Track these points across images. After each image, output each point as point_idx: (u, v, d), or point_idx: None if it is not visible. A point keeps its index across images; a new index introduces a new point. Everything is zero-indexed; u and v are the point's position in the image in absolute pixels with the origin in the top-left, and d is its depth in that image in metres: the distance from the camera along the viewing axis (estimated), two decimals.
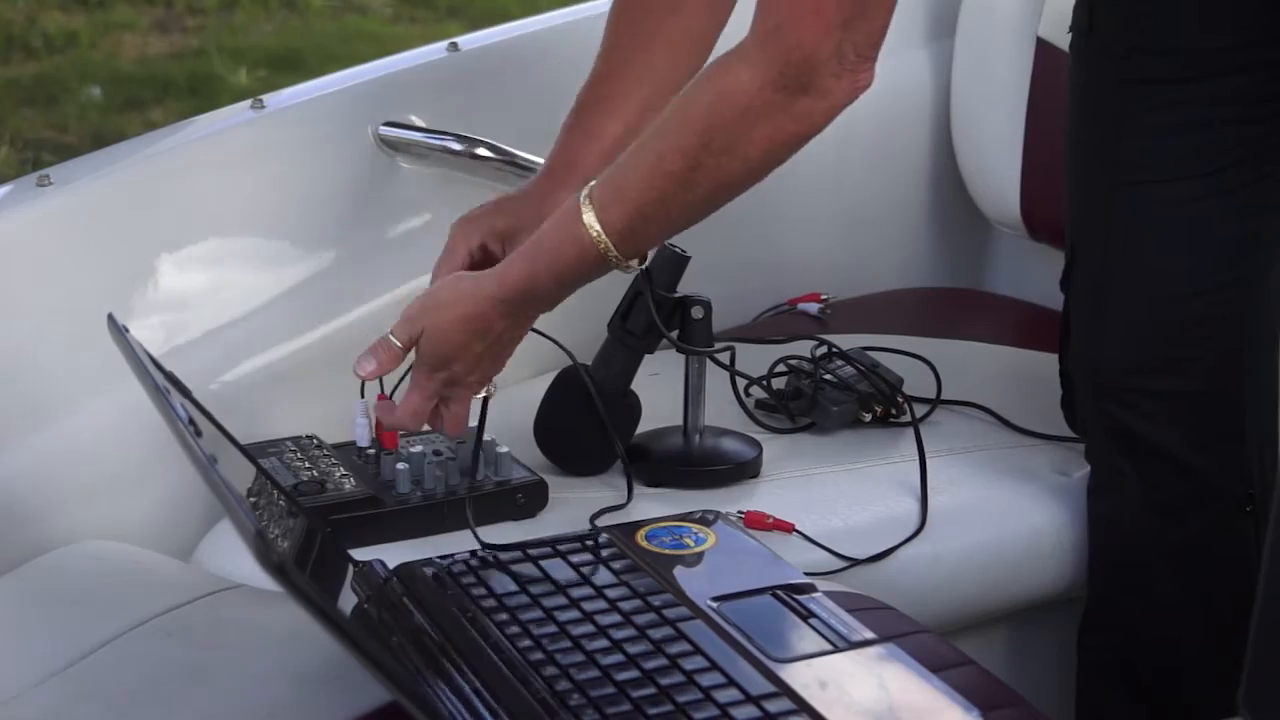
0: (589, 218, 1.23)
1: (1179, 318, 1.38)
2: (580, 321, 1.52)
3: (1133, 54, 1.38)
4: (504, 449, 1.38)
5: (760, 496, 1.42)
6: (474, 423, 1.36)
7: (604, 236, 1.22)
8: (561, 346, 1.46)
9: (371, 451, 1.41)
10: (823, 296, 1.85)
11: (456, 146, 1.66)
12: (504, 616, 1.05)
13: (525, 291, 1.26)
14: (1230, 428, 1.37)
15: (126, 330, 1.10)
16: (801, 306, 1.85)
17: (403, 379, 1.41)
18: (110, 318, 1.12)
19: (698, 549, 1.16)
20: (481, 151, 1.66)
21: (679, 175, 1.21)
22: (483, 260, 1.37)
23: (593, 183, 1.24)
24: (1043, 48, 1.87)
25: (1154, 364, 1.40)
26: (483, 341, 1.28)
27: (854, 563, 1.35)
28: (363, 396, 1.42)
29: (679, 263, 1.42)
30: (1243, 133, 1.35)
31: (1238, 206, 1.36)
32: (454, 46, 1.75)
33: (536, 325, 1.46)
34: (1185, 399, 1.39)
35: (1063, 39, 1.85)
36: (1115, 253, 1.41)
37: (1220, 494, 1.39)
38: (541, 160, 1.67)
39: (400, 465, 1.35)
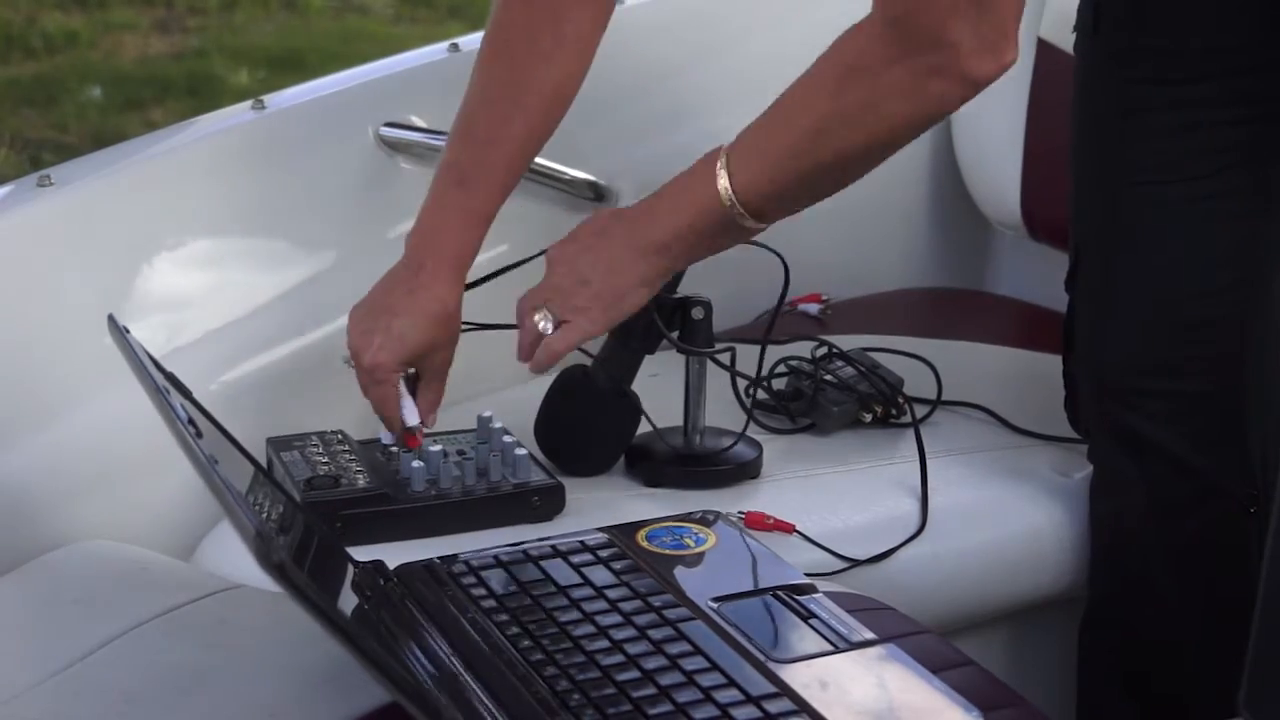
0: (721, 173, 1.25)
1: (1182, 318, 1.38)
2: None
3: (1136, 54, 1.38)
4: (522, 451, 1.38)
5: (760, 497, 1.42)
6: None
7: (730, 193, 1.25)
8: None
9: (394, 449, 1.40)
10: (823, 297, 1.85)
11: None
12: (504, 617, 1.05)
13: (646, 215, 1.30)
14: (1234, 429, 1.37)
15: (127, 331, 1.10)
16: (802, 307, 1.85)
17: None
18: (111, 318, 1.12)
19: (698, 549, 1.16)
20: None
21: (809, 134, 1.23)
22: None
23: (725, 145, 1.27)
24: (1043, 48, 1.87)
25: (1157, 364, 1.40)
26: (594, 251, 1.31)
27: (854, 564, 1.35)
28: None
29: None
30: (1246, 134, 1.35)
31: (1240, 208, 1.36)
32: (455, 47, 1.75)
33: (492, 318, 1.45)
34: (1188, 399, 1.39)
35: (1063, 40, 1.85)
36: (1118, 253, 1.41)
37: (1223, 495, 1.39)
38: (542, 161, 1.67)
39: (416, 463, 1.35)
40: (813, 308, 1.84)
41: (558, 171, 1.71)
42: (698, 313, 1.42)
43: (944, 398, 1.59)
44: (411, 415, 1.39)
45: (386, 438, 1.42)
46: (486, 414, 1.43)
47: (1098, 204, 1.44)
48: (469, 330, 1.46)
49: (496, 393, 1.61)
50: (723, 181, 1.25)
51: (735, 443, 1.46)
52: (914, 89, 1.19)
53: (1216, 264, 1.37)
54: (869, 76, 1.19)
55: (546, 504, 1.36)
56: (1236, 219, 1.36)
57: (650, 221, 1.30)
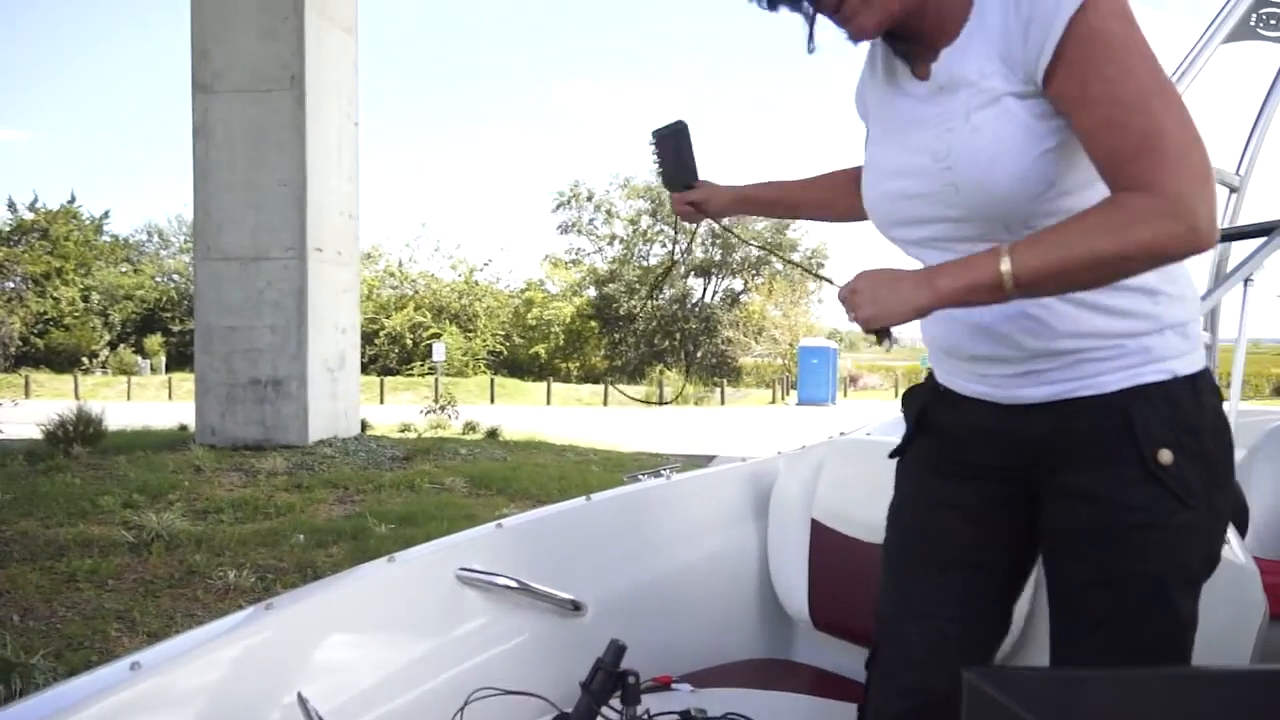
0: (1004, 257, 1.01)
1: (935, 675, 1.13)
2: (559, 689, 1.39)
3: (926, 450, 1.21)
4: None
5: None
6: None
7: (1009, 266, 1.01)
8: (550, 701, 1.33)
9: None
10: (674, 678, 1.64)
11: (509, 584, 1.55)
12: None
13: (933, 273, 1.04)
14: None
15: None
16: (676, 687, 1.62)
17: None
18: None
19: None
20: (528, 587, 1.56)
21: (1089, 262, 0.99)
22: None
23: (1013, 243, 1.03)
24: (816, 526, 1.79)
25: None
26: (888, 281, 1.06)
27: None
28: None
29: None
30: (1007, 519, 1.14)
31: (997, 581, 1.14)
32: (499, 525, 1.64)
33: (519, 687, 1.30)
34: None
35: (831, 518, 1.75)
36: (900, 621, 1.18)
37: None
38: (536, 585, 1.54)
39: None
40: (685, 688, 1.57)
41: (549, 594, 1.57)
42: (633, 679, 1.26)
43: None
44: None
45: None
46: None
47: (889, 578, 1.21)
48: None
49: None
50: (1005, 265, 1.01)
51: None
52: (1178, 253, 0.97)
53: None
54: (1157, 246, 0.97)
55: None
56: (993, 587, 1.15)
57: (938, 274, 1.04)
